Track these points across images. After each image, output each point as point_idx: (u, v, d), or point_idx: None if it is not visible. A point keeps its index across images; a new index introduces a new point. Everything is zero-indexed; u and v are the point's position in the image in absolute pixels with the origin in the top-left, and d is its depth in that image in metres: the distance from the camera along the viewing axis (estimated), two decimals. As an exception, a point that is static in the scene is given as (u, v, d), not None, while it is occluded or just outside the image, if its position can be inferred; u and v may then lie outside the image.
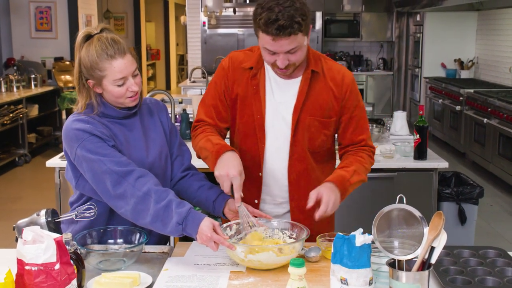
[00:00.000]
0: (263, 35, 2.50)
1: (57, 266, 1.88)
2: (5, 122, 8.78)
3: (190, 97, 7.12)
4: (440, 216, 2.03)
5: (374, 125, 5.03)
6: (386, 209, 2.10)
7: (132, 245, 2.46)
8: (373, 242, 2.05)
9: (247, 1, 9.81)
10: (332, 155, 2.93)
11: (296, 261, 1.94)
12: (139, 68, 2.62)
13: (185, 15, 12.15)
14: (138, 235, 2.51)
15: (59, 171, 4.28)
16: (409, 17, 12.18)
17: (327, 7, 11.89)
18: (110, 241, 2.56)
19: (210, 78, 7.76)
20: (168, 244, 2.78)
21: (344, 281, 2.02)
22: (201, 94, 8.35)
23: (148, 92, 4.60)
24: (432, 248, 2.03)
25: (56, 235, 1.92)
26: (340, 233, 2.07)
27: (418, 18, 11.61)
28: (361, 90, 11.67)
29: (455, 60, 11.10)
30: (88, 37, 2.53)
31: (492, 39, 10.21)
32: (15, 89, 9.86)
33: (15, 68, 10.36)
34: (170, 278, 2.29)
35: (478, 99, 8.67)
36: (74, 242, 2.15)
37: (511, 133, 7.34)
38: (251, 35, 11.88)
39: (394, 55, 12.72)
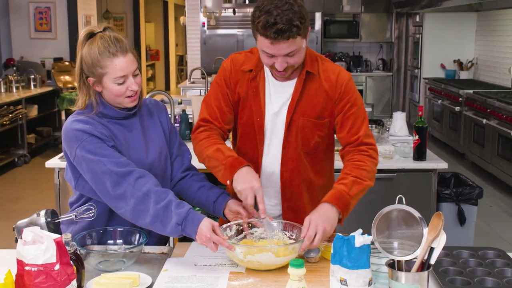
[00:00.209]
0: (262, 38, 2.49)
1: (57, 267, 1.88)
2: (5, 122, 8.78)
3: (190, 97, 7.12)
4: (440, 217, 2.03)
5: (374, 125, 5.03)
6: (386, 209, 2.11)
7: (131, 246, 2.46)
8: (372, 243, 2.06)
9: (247, 2, 9.81)
10: (330, 157, 2.92)
11: (296, 262, 1.94)
12: (139, 69, 2.62)
13: (185, 15, 12.16)
14: (137, 235, 2.51)
15: (58, 171, 4.28)
16: (409, 17, 12.19)
17: (327, 7, 11.90)
18: (109, 241, 2.56)
19: (209, 79, 7.79)
20: (167, 244, 2.78)
21: (343, 281, 2.02)
22: (200, 94, 8.36)
23: (147, 93, 4.60)
24: (432, 249, 2.03)
25: (56, 236, 1.92)
26: (340, 234, 2.07)
27: (417, 19, 11.61)
28: (361, 91, 11.67)
29: (454, 61, 11.11)
30: (91, 35, 2.55)
31: (491, 40, 10.22)
32: (14, 90, 9.86)
33: (14, 68, 10.36)
34: (170, 278, 2.29)
35: (477, 100, 8.67)
36: (74, 243, 2.15)
37: (510, 134, 7.34)
38: (251, 36, 11.83)
39: (394, 56, 12.73)
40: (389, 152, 4.40)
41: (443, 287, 2.19)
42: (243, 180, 2.49)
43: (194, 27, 12.01)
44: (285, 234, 2.56)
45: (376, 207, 2.27)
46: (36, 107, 9.99)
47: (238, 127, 2.82)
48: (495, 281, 2.23)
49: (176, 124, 5.03)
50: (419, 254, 2.03)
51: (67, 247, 1.98)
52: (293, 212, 2.77)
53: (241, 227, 2.58)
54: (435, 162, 4.36)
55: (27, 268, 1.88)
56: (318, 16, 11.71)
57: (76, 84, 2.60)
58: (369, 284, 2.03)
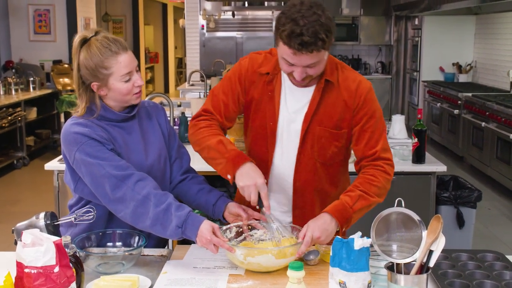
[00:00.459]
0: (284, 47, 2.43)
1: (56, 269, 1.88)
2: (4, 125, 8.78)
3: (189, 100, 7.12)
4: (439, 220, 2.03)
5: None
6: (385, 212, 2.11)
7: (131, 248, 2.46)
8: (371, 246, 2.06)
9: (246, 5, 9.82)
10: (346, 168, 2.87)
11: (295, 264, 1.94)
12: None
13: (184, 18, 12.17)
14: (137, 238, 2.51)
15: (57, 174, 4.28)
16: (408, 21, 12.20)
17: (326, 10, 11.89)
18: (109, 244, 2.56)
19: (209, 81, 7.79)
20: (167, 247, 2.78)
21: (342, 284, 2.02)
22: (200, 97, 8.36)
23: (146, 95, 4.60)
24: (431, 252, 2.04)
25: (56, 238, 1.92)
26: (339, 237, 2.07)
27: (416, 22, 11.62)
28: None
29: (453, 64, 11.11)
30: (85, 41, 2.53)
31: (490, 43, 10.22)
32: (13, 92, 9.85)
33: (13, 71, 10.36)
34: (169, 281, 2.29)
35: (476, 103, 8.68)
36: (73, 245, 2.15)
37: (509, 137, 7.35)
38: (250, 39, 11.90)
39: (393, 59, 12.73)
40: (388, 155, 4.39)
41: (442, 290, 2.20)
42: (247, 176, 2.48)
43: (193, 29, 12.02)
44: (284, 237, 2.56)
45: (375, 210, 2.27)
46: (35, 110, 9.99)
47: (250, 130, 2.78)
48: (493, 284, 2.23)
49: (175, 127, 5.03)
50: (418, 256, 2.03)
51: (66, 250, 1.98)
52: (304, 220, 2.63)
53: (241, 229, 2.58)
54: (434, 165, 4.36)
55: (26, 270, 1.88)
56: (317, 19, 11.70)
57: (76, 91, 2.58)
58: (368, 286, 2.03)
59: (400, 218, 2.09)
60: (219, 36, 11.98)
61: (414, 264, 2.04)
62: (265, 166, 2.72)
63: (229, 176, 2.52)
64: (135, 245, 2.50)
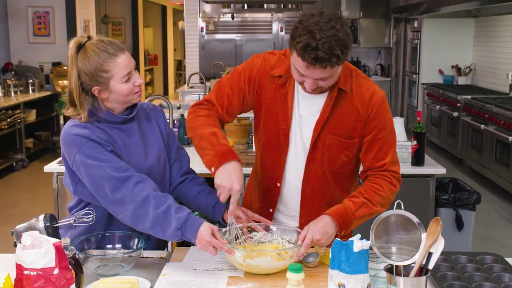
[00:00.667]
0: (297, 58, 2.37)
1: (56, 271, 1.88)
2: (3, 127, 8.78)
3: (188, 102, 7.13)
4: (438, 222, 2.04)
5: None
6: (384, 215, 2.11)
7: (130, 250, 2.46)
8: (371, 248, 2.06)
9: (245, 7, 9.83)
10: (356, 177, 2.82)
11: (294, 267, 1.94)
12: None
13: (183, 20, 12.17)
14: (136, 240, 2.51)
15: (57, 176, 4.28)
16: (407, 23, 12.20)
17: (325, 13, 11.89)
18: (108, 246, 2.55)
19: (208, 84, 7.79)
20: (166, 249, 2.78)
21: (342, 286, 2.02)
22: (199, 99, 8.36)
23: (146, 98, 4.61)
24: (430, 254, 2.04)
25: (55, 240, 1.92)
26: (338, 239, 2.07)
27: (415, 25, 11.63)
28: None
29: (452, 67, 11.12)
30: (80, 46, 2.52)
31: (489, 46, 10.23)
32: (12, 94, 9.86)
33: (13, 73, 10.36)
34: (168, 283, 2.29)
35: (475, 106, 8.68)
36: (73, 247, 2.15)
37: (508, 139, 7.35)
38: (249, 41, 11.91)
39: (392, 61, 12.75)
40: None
41: (441, 292, 2.20)
42: (226, 176, 2.45)
43: (192, 32, 12.03)
44: (284, 239, 2.56)
45: (375, 212, 2.28)
46: (35, 112, 10.00)
47: (262, 132, 2.74)
48: (492, 286, 2.23)
49: (174, 129, 5.03)
50: (417, 259, 2.04)
51: (66, 252, 1.98)
52: None
53: (241, 231, 2.58)
54: (433, 168, 4.37)
55: (26, 272, 1.88)
56: (316, 21, 11.72)
57: (76, 101, 2.53)
58: (368, 289, 2.03)
59: (400, 221, 2.09)
60: (219, 38, 11.99)
61: (413, 266, 2.04)
62: (278, 170, 2.71)
63: (212, 169, 2.50)
64: (135, 247, 2.50)
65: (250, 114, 4.07)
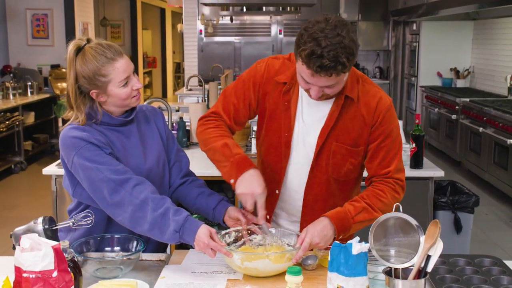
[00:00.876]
0: (303, 66, 2.34)
1: (54, 274, 1.88)
2: (1, 129, 8.78)
3: (187, 105, 7.12)
4: (436, 225, 2.04)
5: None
6: (383, 217, 2.11)
7: (129, 253, 2.46)
8: (369, 251, 2.06)
9: (244, 10, 9.82)
10: (359, 185, 2.81)
11: (293, 269, 1.95)
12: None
13: (182, 23, 12.18)
14: (135, 243, 2.51)
15: (55, 178, 4.28)
16: (406, 26, 12.21)
17: (324, 15, 11.90)
18: (107, 248, 2.56)
19: (207, 86, 7.78)
20: (165, 252, 2.78)
21: (340, 289, 2.02)
22: (198, 102, 8.36)
23: (144, 100, 4.60)
24: (428, 257, 2.04)
25: (54, 243, 1.92)
26: (337, 242, 2.08)
27: (414, 27, 11.63)
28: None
29: (451, 69, 11.13)
30: (79, 50, 2.52)
31: (488, 49, 10.24)
32: (11, 97, 9.86)
33: (11, 75, 10.35)
34: (167, 286, 2.29)
35: (474, 108, 8.69)
36: (72, 250, 2.15)
37: (507, 142, 7.35)
38: (248, 44, 11.92)
39: (391, 64, 12.75)
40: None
41: (439, 294, 2.20)
42: (246, 184, 2.46)
43: (191, 34, 12.03)
44: (283, 241, 2.56)
45: (373, 215, 2.27)
46: (33, 114, 9.99)
47: (264, 138, 2.73)
48: (491, 289, 2.24)
49: (173, 132, 5.03)
50: (416, 261, 2.04)
51: (65, 254, 1.98)
52: None
53: (240, 234, 2.58)
54: (432, 170, 4.37)
55: (25, 275, 1.88)
56: (315, 24, 11.73)
57: (73, 104, 2.54)
58: (366, 291, 2.03)
59: (398, 223, 2.09)
60: (217, 41, 12.00)
61: (412, 269, 2.04)
62: (278, 176, 2.70)
63: (232, 181, 2.51)
64: (133, 249, 2.50)
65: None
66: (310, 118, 2.62)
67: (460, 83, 10.92)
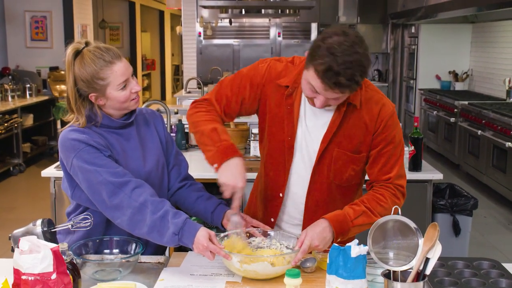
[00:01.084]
0: (315, 77, 2.32)
1: (53, 276, 1.89)
2: (0, 131, 8.77)
3: (186, 107, 7.13)
4: (435, 228, 2.04)
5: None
6: (381, 220, 2.11)
7: (128, 255, 2.46)
8: (368, 253, 2.06)
9: (243, 12, 9.83)
10: (361, 190, 2.80)
11: (292, 272, 1.95)
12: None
13: (181, 25, 12.18)
14: (134, 245, 2.51)
15: (54, 181, 4.28)
16: (404, 29, 12.22)
17: (323, 18, 11.93)
18: (106, 251, 2.55)
19: (205, 89, 7.79)
20: (164, 254, 2.78)
21: (339, 291, 2.03)
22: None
23: (143, 102, 4.61)
24: (427, 259, 2.04)
25: (53, 245, 1.92)
26: (336, 244, 2.08)
27: (413, 30, 11.65)
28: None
29: (449, 72, 11.14)
30: (77, 53, 2.52)
31: (486, 52, 10.25)
32: (10, 99, 9.85)
33: (10, 77, 10.35)
34: (166, 288, 2.30)
35: (472, 111, 8.69)
36: (70, 252, 2.15)
37: (505, 145, 7.36)
38: (247, 46, 11.92)
39: (389, 67, 12.76)
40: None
41: (438, 297, 2.20)
42: (230, 174, 2.46)
43: (190, 37, 12.03)
44: (282, 244, 2.56)
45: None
46: (32, 116, 9.99)
47: (267, 141, 2.71)
48: (490, 291, 2.24)
49: (172, 134, 5.03)
50: (414, 264, 2.04)
51: (63, 257, 1.98)
52: None
53: (239, 236, 2.58)
54: (431, 173, 4.37)
55: (24, 277, 1.88)
56: (314, 26, 11.77)
57: (73, 107, 2.55)
58: (365, 294, 2.04)
59: (397, 226, 2.10)
60: (216, 43, 12.00)
61: (410, 271, 2.05)
62: (281, 180, 2.70)
63: (215, 165, 2.50)
64: (132, 252, 2.50)
65: (248, 119, 4.08)
66: (313, 123, 2.61)
67: (458, 86, 10.93)
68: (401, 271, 2.05)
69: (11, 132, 9.13)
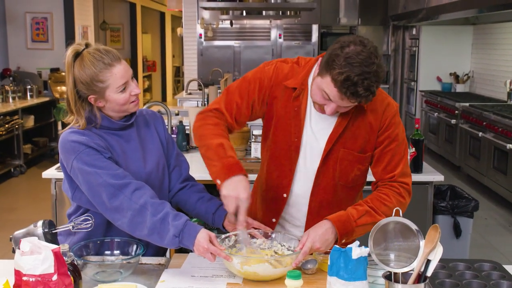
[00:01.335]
0: (331, 85, 2.34)
1: (54, 277, 1.89)
2: (1, 133, 8.77)
3: (187, 109, 7.13)
4: (436, 229, 2.04)
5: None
6: (383, 222, 2.11)
7: (129, 257, 2.46)
8: (369, 255, 2.06)
9: (244, 14, 9.82)
10: (362, 189, 2.81)
11: (293, 273, 1.95)
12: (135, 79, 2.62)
13: (182, 27, 12.18)
14: (135, 246, 2.51)
15: (55, 182, 4.28)
16: (405, 30, 12.22)
17: (324, 20, 11.93)
18: (107, 252, 2.55)
19: (206, 90, 7.79)
20: (164, 255, 2.78)
21: (340, 293, 2.02)
22: (197, 106, 8.36)
23: (144, 104, 4.60)
24: (428, 261, 2.04)
25: (54, 246, 1.92)
26: (337, 246, 2.08)
27: (414, 32, 11.64)
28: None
29: (450, 74, 11.13)
30: (77, 54, 2.51)
31: (487, 53, 10.25)
32: (11, 100, 9.85)
33: (11, 78, 10.35)
34: (167, 289, 2.29)
35: (473, 113, 8.69)
36: (71, 253, 2.15)
37: (506, 147, 7.35)
38: (248, 48, 11.92)
39: (390, 69, 12.76)
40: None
41: (439, 299, 2.20)
42: (232, 187, 2.43)
43: (191, 38, 12.03)
44: (283, 246, 2.56)
45: (373, 219, 2.27)
46: (33, 118, 9.99)
47: (271, 143, 2.70)
48: (491, 293, 2.24)
49: (172, 135, 5.03)
50: (415, 266, 2.04)
51: (64, 258, 1.98)
52: None
53: (240, 238, 2.58)
54: (431, 175, 4.36)
55: (24, 278, 1.88)
56: (315, 28, 11.75)
57: (72, 108, 2.55)
58: (366, 296, 2.03)
59: (398, 228, 2.10)
60: (217, 45, 11.99)
61: (411, 273, 2.04)
62: (286, 180, 2.69)
63: (218, 182, 2.48)
64: (133, 253, 2.50)
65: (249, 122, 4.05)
66: (319, 124, 2.61)
67: (459, 88, 10.92)
68: (402, 273, 2.05)
69: (12, 134, 9.13)
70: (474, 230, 5.35)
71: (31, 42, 11.13)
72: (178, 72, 21.49)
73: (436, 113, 10.31)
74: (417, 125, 4.43)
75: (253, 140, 4.63)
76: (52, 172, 4.30)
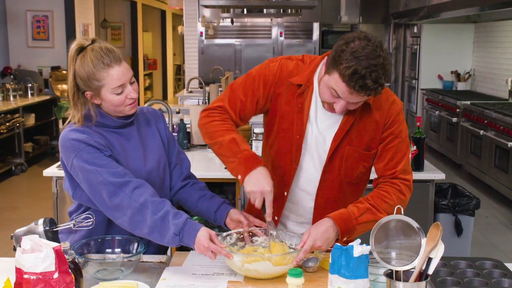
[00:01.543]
0: (339, 81, 2.33)
1: (55, 275, 1.88)
2: (2, 131, 8.77)
3: (187, 107, 7.12)
4: (438, 227, 2.04)
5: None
6: (384, 220, 2.11)
7: (130, 255, 2.46)
8: (370, 253, 2.06)
9: (245, 12, 9.82)
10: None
11: (294, 271, 1.95)
12: (136, 77, 2.61)
13: (183, 25, 12.18)
14: (136, 244, 2.51)
15: (56, 180, 4.28)
16: (406, 28, 12.22)
17: (325, 18, 11.92)
18: (108, 250, 2.55)
19: (207, 88, 7.78)
20: (165, 253, 2.78)
21: (341, 291, 2.02)
22: (198, 104, 8.36)
23: (145, 102, 4.60)
24: (430, 259, 2.04)
25: (55, 244, 1.92)
26: (338, 244, 2.07)
27: (415, 30, 11.64)
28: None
29: (452, 72, 11.13)
30: (81, 49, 2.51)
31: (489, 51, 10.24)
32: (11, 98, 9.86)
33: (11, 77, 10.36)
34: (168, 287, 2.29)
35: (474, 111, 8.69)
36: (72, 251, 2.15)
37: (507, 145, 7.35)
38: (248, 46, 11.91)
39: (391, 67, 12.74)
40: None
41: (441, 297, 2.20)
42: (255, 181, 2.44)
43: (192, 36, 12.03)
44: (285, 243, 2.55)
45: (374, 217, 2.27)
46: (33, 116, 9.99)
47: (274, 139, 2.70)
48: (492, 291, 2.23)
49: (173, 134, 5.03)
50: (417, 264, 2.04)
51: (65, 256, 1.98)
52: None
53: (242, 236, 2.58)
54: (433, 173, 4.36)
55: (26, 276, 1.88)
56: (316, 26, 11.75)
57: (70, 101, 2.56)
58: (367, 294, 2.03)
59: (399, 226, 2.10)
60: (218, 43, 11.99)
61: (413, 271, 2.04)
62: (287, 178, 2.69)
63: (239, 177, 2.49)
64: (134, 251, 2.50)
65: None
66: (324, 121, 2.61)
67: (461, 86, 10.92)
68: (403, 271, 2.05)
69: (13, 132, 9.13)
70: (476, 228, 5.35)
71: (32, 40, 11.13)
72: (179, 70, 21.48)
73: (437, 111, 10.31)
74: (418, 123, 4.43)
75: (254, 138, 4.62)
76: (53, 170, 4.30)
